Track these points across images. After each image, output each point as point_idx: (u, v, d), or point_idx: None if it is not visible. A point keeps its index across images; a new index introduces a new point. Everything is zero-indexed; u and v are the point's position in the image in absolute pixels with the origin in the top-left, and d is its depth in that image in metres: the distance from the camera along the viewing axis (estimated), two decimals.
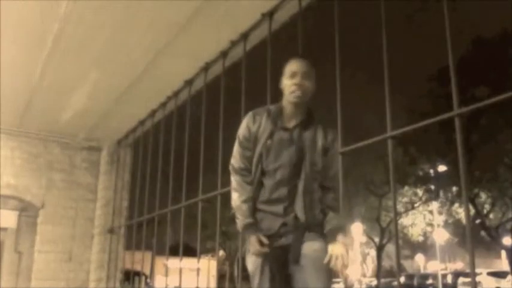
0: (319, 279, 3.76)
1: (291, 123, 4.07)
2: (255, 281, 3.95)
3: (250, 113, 4.23)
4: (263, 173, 4.03)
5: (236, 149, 4.20)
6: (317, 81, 4.15)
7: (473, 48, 25.40)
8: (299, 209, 3.88)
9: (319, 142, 4.03)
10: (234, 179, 4.19)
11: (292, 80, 4.03)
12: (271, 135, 4.02)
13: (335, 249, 3.74)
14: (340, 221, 3.94)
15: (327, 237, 3.85)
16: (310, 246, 3.83)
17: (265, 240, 3.86)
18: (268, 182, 4.00)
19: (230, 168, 4.24)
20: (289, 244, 3.85)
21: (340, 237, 3.81)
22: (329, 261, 3.71)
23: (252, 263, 3.99)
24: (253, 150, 4.10)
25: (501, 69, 22.19)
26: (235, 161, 4.20)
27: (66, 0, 6.00)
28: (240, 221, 4.06)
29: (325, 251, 3.78)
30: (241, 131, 4.18)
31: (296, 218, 3.88)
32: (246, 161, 4.13)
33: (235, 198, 4.13)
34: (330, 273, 3.79)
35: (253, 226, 3.97)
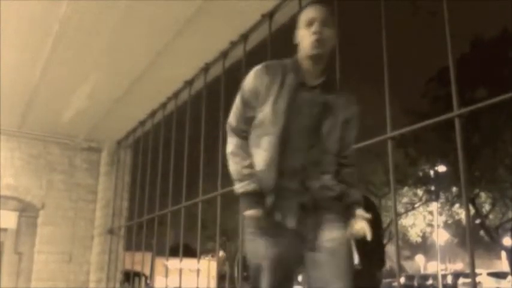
0: (340, 278, 3.22)
1: (314, 82, 3.41)
2: (263, 277, 3.28)
3: (261, 65, 3.48)
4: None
5: (237, 105, 3.53)
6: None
7: (472, 49, 25.42)
8: (316, 183, 3.30)
9: (341, 110, 3.42)
10: (232, 142, 3.48)
11: (309, 29, 3.39)
12: (293, 92, 3.34)
13: (356, 225, 3.32)
14: (358, 195, 3.49)
15: (346, 212, 3.38)
16: (328, 235, 3.27)
17: (265, 217, 3.25)
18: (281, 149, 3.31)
19: (227, 127, 3.53)
20: (305, 229, 3.27)
21: (359, 212, 3.37)
22: (351, 255, 3.37)
23: (255, 252, 3.36)
24: (257, 110, 3.40)
25: (501, 70, 22.21)
26: (234, 119, 3.51)
27: (67, 1, 6.00)
28: (241, 186, 3.35)
29: (346, 239, 3.33)
30: (249, 84, 3.47)
31: (313, 195, 3.29)
32: (247, 121, 3.43)
33: (235, 163, 3.41)
34: (351, 268, 3.32)
35: (257, 196, 3.28)
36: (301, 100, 3.33)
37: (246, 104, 3.46)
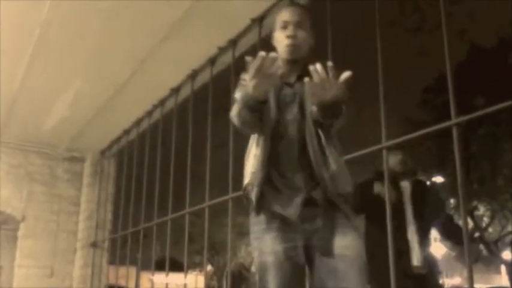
0: None
1: (292, 78, 3.41)
2: (269, 275, 3.19)
3: None
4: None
5: None
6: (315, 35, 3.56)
7: (470, 56, 25.47)
8: (326, 174, 3.21)
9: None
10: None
11: (284, 31, 3.42)
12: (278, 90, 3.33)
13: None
14: None
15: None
16: (343, 241, 3.18)
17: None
18: (276, 147, 3.30)
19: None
20: (316, 231, 3.20)
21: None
22: (365, 263, 3.16)
23: (260, 250, 3.26)
24: None
25: (500, 77, 22.26)
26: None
27: (48, 4, 5.97)
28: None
29: (362, 247, 3.21)
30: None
31: (321, 191, 3.22)
32: None
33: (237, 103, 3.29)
34: (366, 279, 3.14)
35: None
36: (284, 97, 3.36)
37: None
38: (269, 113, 3.26)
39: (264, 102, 3.13)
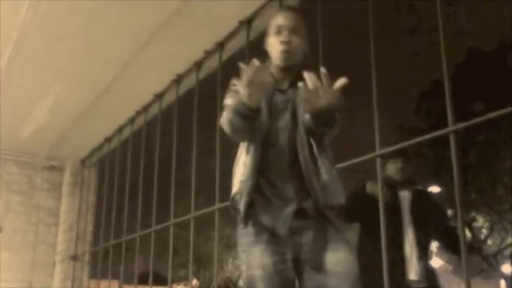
0: None
1: (285, 85, 3.43)
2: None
3: None
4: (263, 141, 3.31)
5: None
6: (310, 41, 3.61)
7: (468, 59, 25.53)
8: (315, 188, 3.22)
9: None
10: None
11: (278, 37, 3.45)
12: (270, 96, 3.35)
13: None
14: None
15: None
16: (334, 256, 3.18)
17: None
18: (266, 155, 3.32)
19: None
20: (306, 244, 3.21)
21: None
22: (357, 279, 3.16)
23: (248, 263, 3.26)
24: None
25: (499, 82, 22.32)
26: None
27: (26, 7, 5.94)
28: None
29: (354, 263, 3.22)
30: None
31: (312, 202, 3.22)
32: None
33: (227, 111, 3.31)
34: None
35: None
36: (277, 103, 3.37)
37: None
38: (261, 120, 3.26)
39: (257, 110, 3.14)
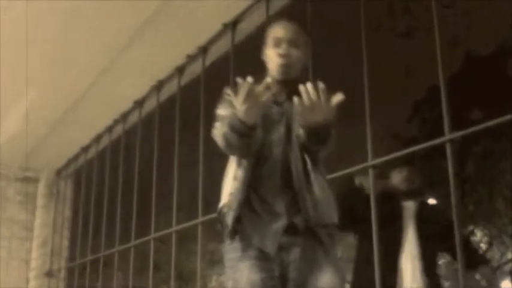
0: None
1: (281, 98, 3.43)
2: None
3: None
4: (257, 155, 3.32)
5: None
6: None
7: (466, 64, 25.63)
8: (307, 204, 3.23)
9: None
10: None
11: (276, 49, 3.46)
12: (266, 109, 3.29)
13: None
14: None
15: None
16: (323, 278, 3.19)
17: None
18: (258, 168, 3.33)
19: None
20: (293, 262, 3.21)
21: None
22: None
23: (235, 279, 3.24)
24: None
25: (498, 89, 22.42)
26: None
27: None
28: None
29: (339, 285, 3.23)
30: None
31: (302, 219, 3.23)
32: None
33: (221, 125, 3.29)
34: None
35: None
36: (272, 115, 3.37)
37: None
38: (256, 135, 3.24)
39: (254, 127, 3.13)
